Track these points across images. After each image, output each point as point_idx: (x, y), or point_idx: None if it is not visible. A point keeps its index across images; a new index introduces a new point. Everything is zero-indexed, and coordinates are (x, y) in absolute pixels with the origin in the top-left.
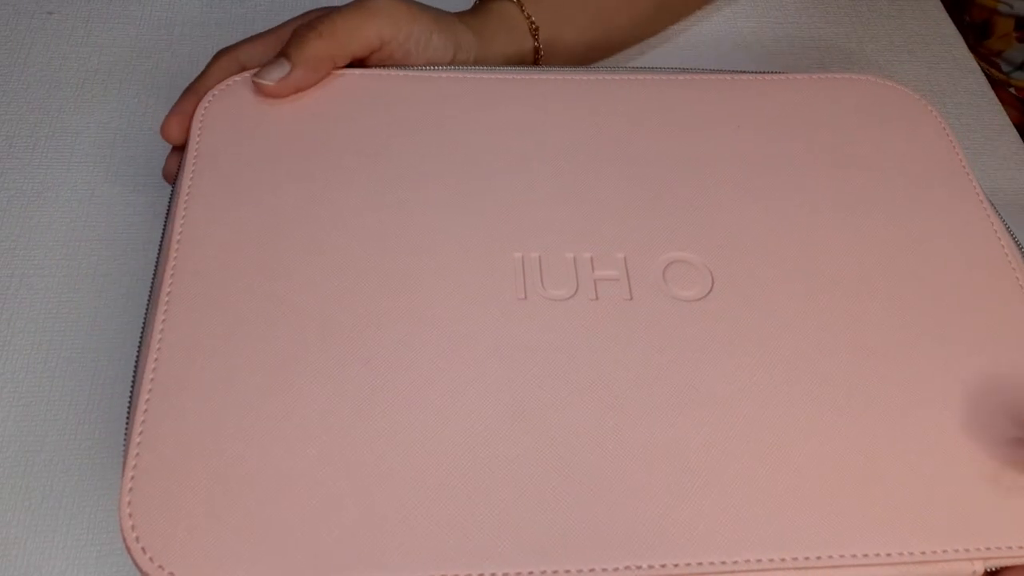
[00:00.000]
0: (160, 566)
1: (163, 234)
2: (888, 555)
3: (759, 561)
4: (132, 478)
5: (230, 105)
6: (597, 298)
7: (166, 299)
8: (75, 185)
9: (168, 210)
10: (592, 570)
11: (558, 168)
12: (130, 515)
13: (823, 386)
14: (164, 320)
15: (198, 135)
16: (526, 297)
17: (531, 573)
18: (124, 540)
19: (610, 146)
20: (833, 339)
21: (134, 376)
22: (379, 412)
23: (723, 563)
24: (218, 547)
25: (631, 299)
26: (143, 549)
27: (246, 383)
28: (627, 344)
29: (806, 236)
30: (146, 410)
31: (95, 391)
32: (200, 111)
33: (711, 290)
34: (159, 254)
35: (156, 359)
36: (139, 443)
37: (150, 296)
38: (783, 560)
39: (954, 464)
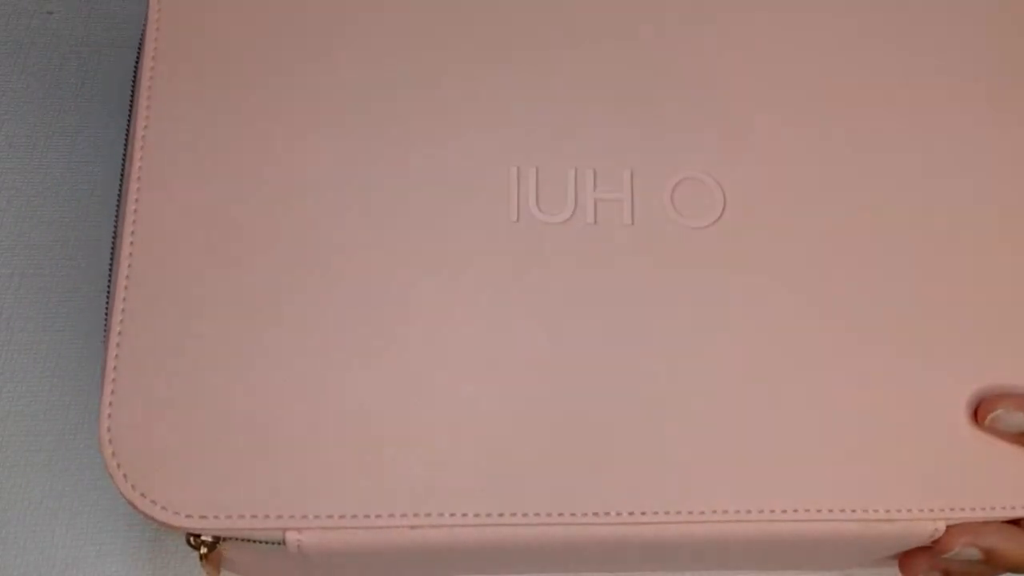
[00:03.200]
0: (142, 494)
1: (126, 139)
2: (853, 511)
3: (725, 512)
4: (111, 404)
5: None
6: (596, 222)
7: (132, 224)
8: (75, 185)
9: (130, 111)
10: (585, 513)
11: (564, 67)
12: (110, 441)
13: (818, 335)
14: (132, 244)
15: (155, 29)
16: (518, 219)
17: (524, 515)
18: (107, 468)
19: (625, 45)
20: (843, 290)
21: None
22: (356, 346)
23: (690, 513)
24: (198, 473)
25: (632, 224)
26: (124, 476)
27: (220, 310)
28: (622, 276)
29: (838, 165)
30: (120, 333)
31: (95, 391)
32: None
33: (720, 216)
34: (123, 165)
35: (127, 274)
36: (115, 367)
37: (117, 211)
38: (748, 512)
39: (924, 424)
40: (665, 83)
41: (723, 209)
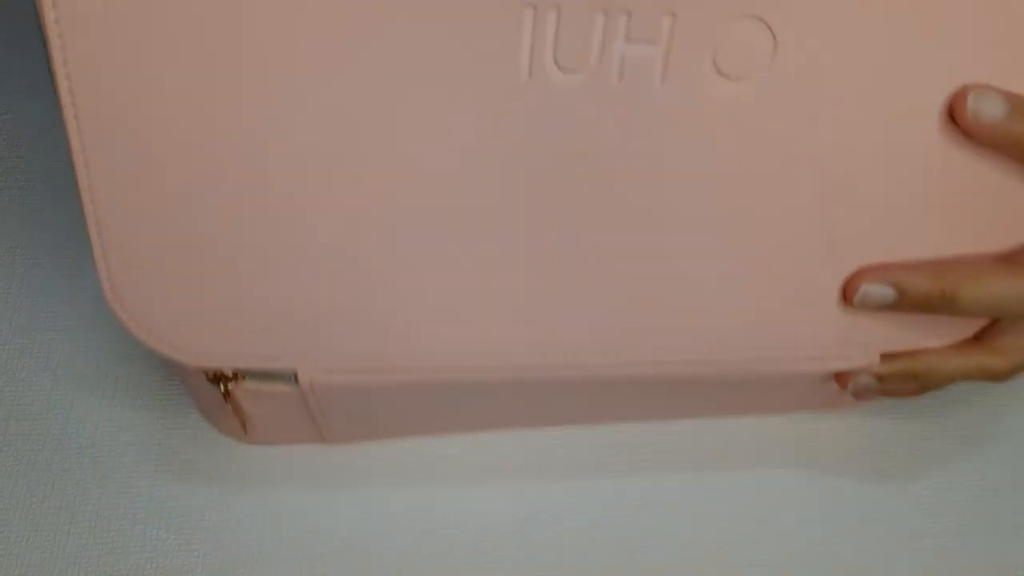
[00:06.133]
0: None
1: None
2: (800, 351)
3: (677, 352)
4: (104, 258)
5: None
6: (621, 80)
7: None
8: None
9: None
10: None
11: None
12: (111, 290)
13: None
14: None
15: None
16: (531, 74)
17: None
18: (117, 317)
19: None
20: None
21: None
22: (358, 205)
23: (644, 352)
24: (211, 317)
25: (662, 83)
26: (137, 323)
27: (204, 160)
28: (644, 149)
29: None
30: (91, 188)
31: (95, 390)
32: None
33: (767, 76)
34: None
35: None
36: (97, 224)
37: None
38: (699, 352)
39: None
40: None
41: (770, 62)
